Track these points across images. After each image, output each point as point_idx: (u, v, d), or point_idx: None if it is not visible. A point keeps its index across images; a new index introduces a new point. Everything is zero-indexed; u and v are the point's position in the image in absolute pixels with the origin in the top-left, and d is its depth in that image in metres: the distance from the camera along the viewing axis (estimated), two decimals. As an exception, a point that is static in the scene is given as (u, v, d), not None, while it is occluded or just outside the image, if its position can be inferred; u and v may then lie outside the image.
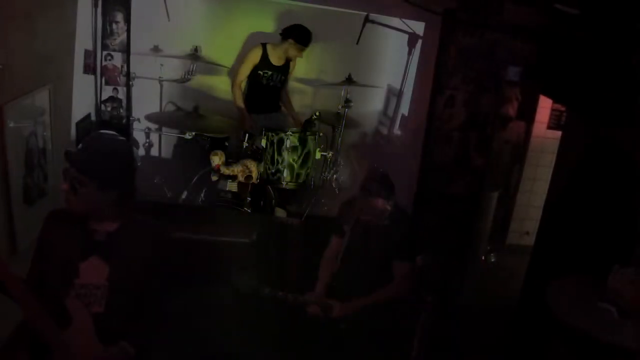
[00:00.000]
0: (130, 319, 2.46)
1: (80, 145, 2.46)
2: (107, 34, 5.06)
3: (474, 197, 5.57)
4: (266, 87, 5.90)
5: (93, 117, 5.17)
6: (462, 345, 4.21)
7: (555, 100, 5.84)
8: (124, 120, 5.31)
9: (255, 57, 5.79)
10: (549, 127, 6.25)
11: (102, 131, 2.51)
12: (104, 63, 5.11)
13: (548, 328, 3.56)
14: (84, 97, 5.01)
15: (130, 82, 5.45)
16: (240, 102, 5.78)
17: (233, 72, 6.02)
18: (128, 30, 5.08)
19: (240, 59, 5.96)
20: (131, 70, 5.44)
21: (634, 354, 2.78)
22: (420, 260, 3.76)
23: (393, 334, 3.61)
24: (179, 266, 2.67)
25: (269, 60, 5.81)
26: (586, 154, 4.26)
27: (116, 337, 2.42)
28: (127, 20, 5.06)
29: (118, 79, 5.18)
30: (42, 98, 3.90)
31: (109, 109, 5.22)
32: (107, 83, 5.17)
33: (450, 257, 4.86)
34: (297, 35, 5.69)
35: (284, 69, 5.95)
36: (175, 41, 5.86)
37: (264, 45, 5.80)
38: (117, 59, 5.14)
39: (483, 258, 6.01)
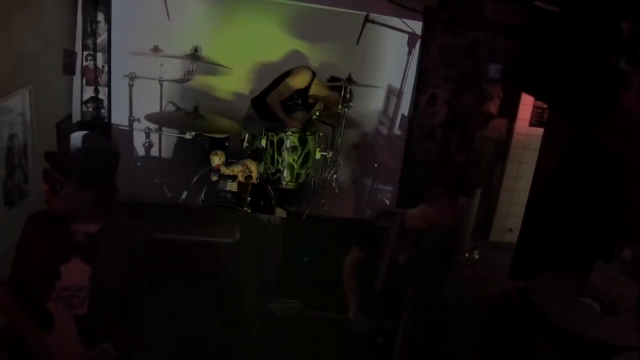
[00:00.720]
0: (113, 321, 2.44)
1: (60, 146, 2.44)
2: (87, 34, 5.03)
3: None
4: (284, 105, 5.74)
5: (75, 118, 5.14)
6: (445, 342, 4.22)
7: (537, 98, 5.87)
8: (106, 120, 5.27)
9: (304, 80, 5.69)
10: (531, 125, 6.27)
11: (82, 132, 2.47)
12: (84, 63, 5.07)
13: (531, 324, 3.58)
14: (65, 98, 4.97)
15: (130, 82, 5.49)
16: (285, 117, 5.59)
17: (281, 85, 5.75)
18: (109, 30, 5.04)
19: (288, 75, 5.74)
20: (131, 70, 5.47)
21: (616, 349, 2.80)
22: (403, 258, 3.74)
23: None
24: (161, 266, 2.65)
25: (307, 91, 5.73)
26: (568, 151, 4.29)
27: (99, 338, 2.40)
28: (108, 20, 5.02)
29: (99, 79, 5.14)
30: (22, 99, 3.86)
31: (90, 109, 5.18)
32: (88, 83, 5.13)
33: (433, 255, 4.87)
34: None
35: (309, 107, 5.82)
36: (175, 41, 5.79)
37: (313, 75, 5.70)
38: (98, 59, 5.10)
39: (466, 255, 6.02)
